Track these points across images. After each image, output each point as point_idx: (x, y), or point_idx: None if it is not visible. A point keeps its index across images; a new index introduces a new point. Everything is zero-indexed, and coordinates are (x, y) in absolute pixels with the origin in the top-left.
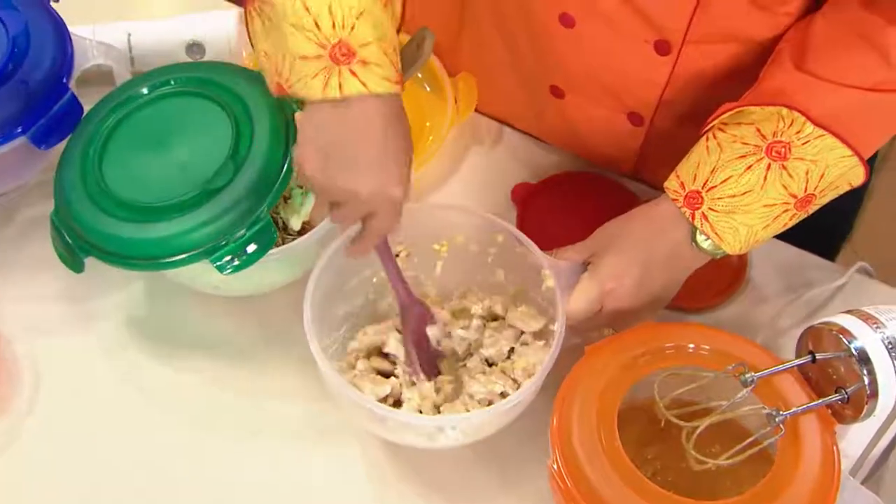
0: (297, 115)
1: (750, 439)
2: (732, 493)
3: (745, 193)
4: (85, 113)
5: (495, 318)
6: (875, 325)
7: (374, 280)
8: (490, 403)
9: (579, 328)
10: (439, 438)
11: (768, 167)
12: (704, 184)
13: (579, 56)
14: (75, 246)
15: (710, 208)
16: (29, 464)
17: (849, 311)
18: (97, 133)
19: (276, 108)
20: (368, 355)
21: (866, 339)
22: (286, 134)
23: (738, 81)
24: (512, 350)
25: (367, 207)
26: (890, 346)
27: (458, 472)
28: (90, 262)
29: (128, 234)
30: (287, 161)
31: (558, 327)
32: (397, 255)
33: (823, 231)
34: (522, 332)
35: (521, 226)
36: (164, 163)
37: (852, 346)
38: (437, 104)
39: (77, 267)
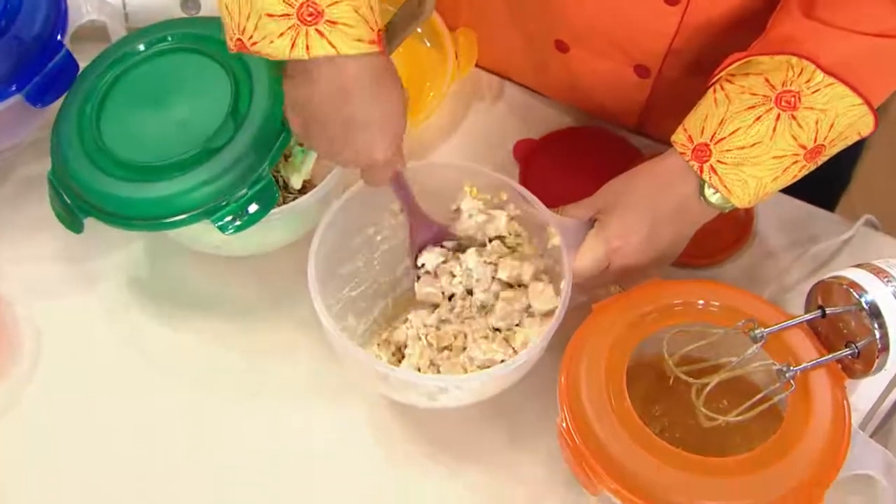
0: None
1: (760, 395)
2: (742, 449)
3: (754, 145)
4: (80, 70)
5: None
6: (886, 279)
7: (378, 238)
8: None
9: (585, 286)
10: (440, 398)
11: (778, 117)
12: (713, 136)
13: (585, 9)
14: (74, 206)
15: (719, 161)
16: (30, 427)
17: (858, 265)
18: (94, 91)
19: (275, 64)
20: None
21: (877, 292)
22: None
23: (746, 29)
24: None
25: (359, 165)
26: None
27: (465, 431)
28: (89, 221)
29: (127, 193)
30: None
31: (564, 286)
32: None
33: (823, 182)
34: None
35: (524, 182)
36: (162, 121)
37: (863, 299)
38: (438, 60)
39: (76, 227)
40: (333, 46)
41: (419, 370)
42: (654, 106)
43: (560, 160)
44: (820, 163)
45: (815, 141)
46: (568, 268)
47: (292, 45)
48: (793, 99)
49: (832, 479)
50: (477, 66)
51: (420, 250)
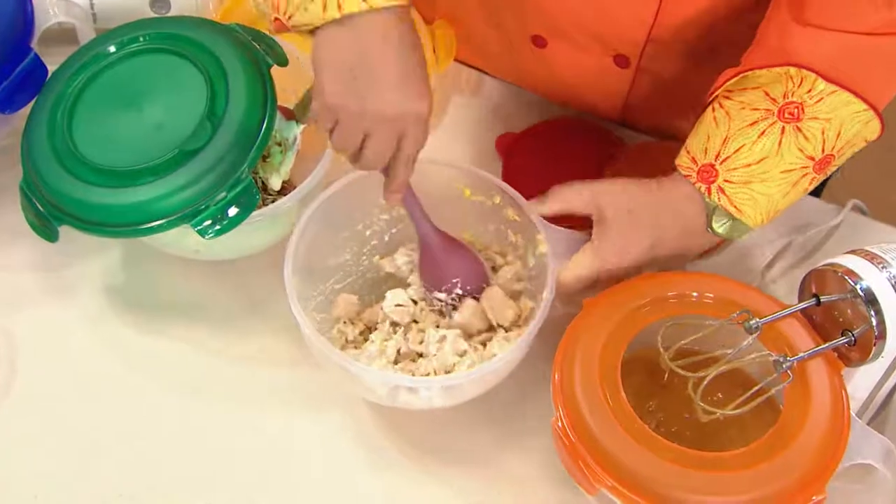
0: (312, 43)
1: (757, 387)
2: (739, 444)
3: (760, 161)
4: (50, 74)
5: None
6: (880, 265)
7: (368, 233)
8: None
9: (567, 296)
10: (403, 397)
11: (783, 131)
12: (717, 156)
13: (562, 1)
14: (48, 214)
15: (726, 180)
16: (8, 439)
17: (852, 251)
18: (64, 95)
19: (250, 63)
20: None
21: (872, 279)
22: (264, 89)
23: (726, 15)
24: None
25: (396, 128)
26: None
27: (451, 432)
28: (65, 230)
29: (102, 200)
30: (266, 118)
31: (546, 294)
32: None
33: None
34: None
35: (507, 177)
36: (136, 124)
37: (858, 286)
38: None
39: (51, 236)
40: (365, 0)
41: (387, 358)
42: (637, 97)
43: (543, 153)
44: (829, 172)
45: (822, 151)
46: (551, 277)
47: (324, 7)
48: (796, 110)
49: (834, 469)
50: (455, 60)
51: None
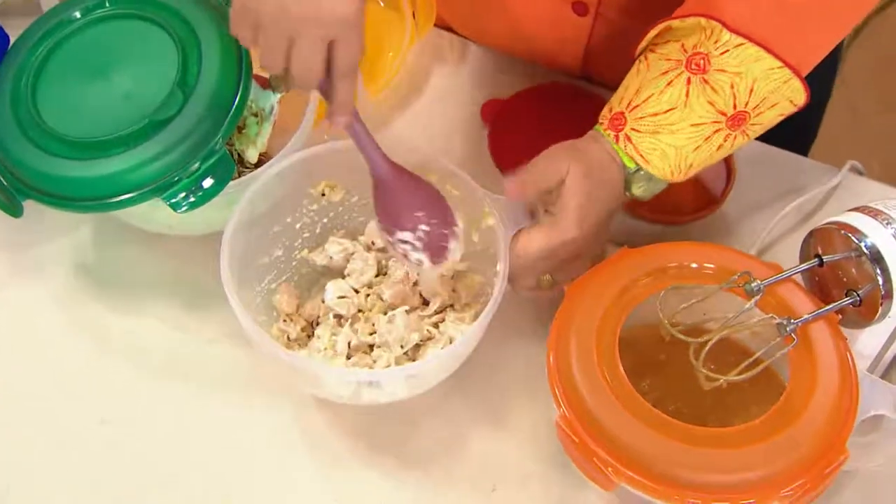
0: None
1: (761, 351)
2: (740, 417)
3: (668, 111)
4: (12, 43)
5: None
6: (885, 221)
7: (298, 226)
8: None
9: (520, 275)
10: (363, 396)
11: (688, 81)
12: (629, 104)
13: None
14: (12, 188)
15: (633, 129)
16: None
17: (855, 209)
18: (27, 64)
19: (225, 30)
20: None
21: (877, 236)
22: (238, 57)
23: None
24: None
25: (323, 32)
26: None
27: (434, 416)
28: (31, 205)
29: (70, 172)
30: (241, 87)
31: (501, 267)
32: (322, 195)
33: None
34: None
35: (493, 144)
36: (105, 93)
37: (862, 244)
38: (394, 20)
39: (15, 211)
40: None
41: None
42: (597, 47)
43: (530, 119)
44: (752, 133)
45: (734, 107)
46: (504, 248)
47: None
48: (702, 61)
49: (851, 427)
50: (435, 25)
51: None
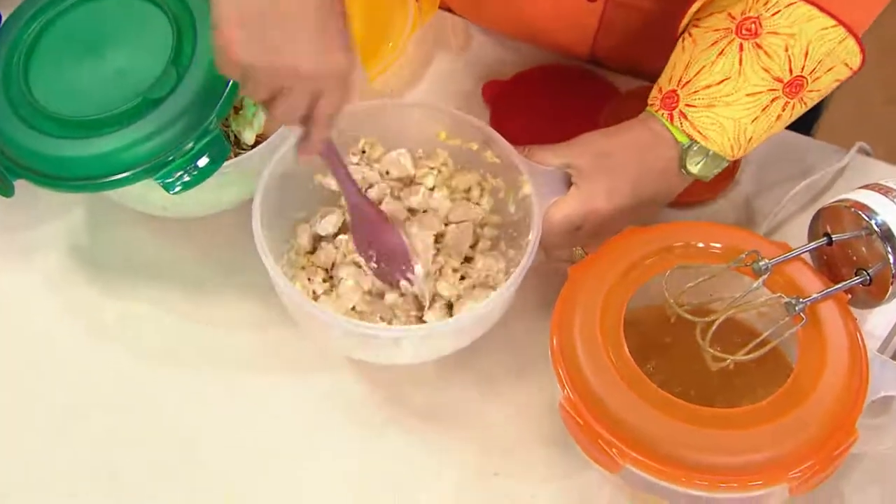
0: None
1: (770, 330)
2: (748, 399)
3: (722, 82)
4: (3, 20)
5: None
6: (895, 197)
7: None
8: None
9: (550, 244)
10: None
11: (741, 47)
12: (679, 81)
13: None
14: (3, 168)
15: (688, 104)
16: None
17: (864, 186)
18: (19, 42)
19: None
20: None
21: (888, 213)
22: None
23: None
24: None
25: (312, 86)
26: None
27: (438, 395)
28: (23, 186)
29: (62, 151)
30: None
31: (532, 236)
32: (362, 152)
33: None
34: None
35: (494, 125)
36: (98, 71)
37: (873, 222)
38: (397, 5)
39: (7, 191)
40: None
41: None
42: (606, 34)
43: (532, 101)
44: (809, 102)
45: (790, 72)
46: (538, 217)
47: None
48: (753, 25)
49: (861, 408)
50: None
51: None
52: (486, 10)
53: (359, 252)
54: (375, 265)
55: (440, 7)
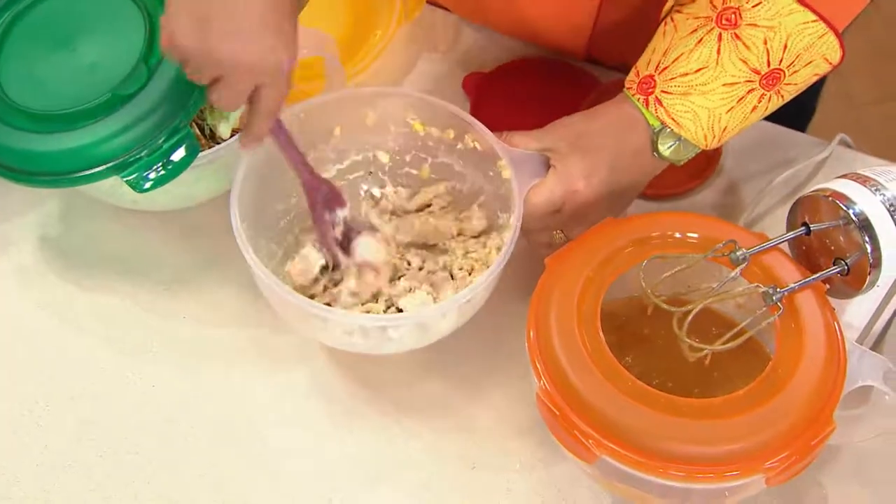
0: None
1: (747, 320)
2: (726, 391)
3: (699, 70)
4: None
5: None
6: (874, 187)
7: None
8: None
9: (531, 228)
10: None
11: (719, 38)
12: (657, 66)
13: None
14: None
15: (664, 91)
16: None
17: (843, 176)
18: None
19: None
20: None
21: (865, 203)
22: None
23: None
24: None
25: (252, 79)
26: (892, 209)
27: (416, 386)
28: None
29: (31, 146)
30: None
31: (514, 220)
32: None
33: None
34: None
35: (475, 116)
36: (68, 65)
37: (851, 211)
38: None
39: None
40: None
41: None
42: (603, 31)
43: (512, 93)
44: (786, 94)
45: (768, 64)
46: (519, 200)
47: None
48: (733, 16)
49: (838, 398)
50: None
51: (320, 217)
52: (487, 10)
53: (318, 228)
54: (339, 238)
55: (430, 3)
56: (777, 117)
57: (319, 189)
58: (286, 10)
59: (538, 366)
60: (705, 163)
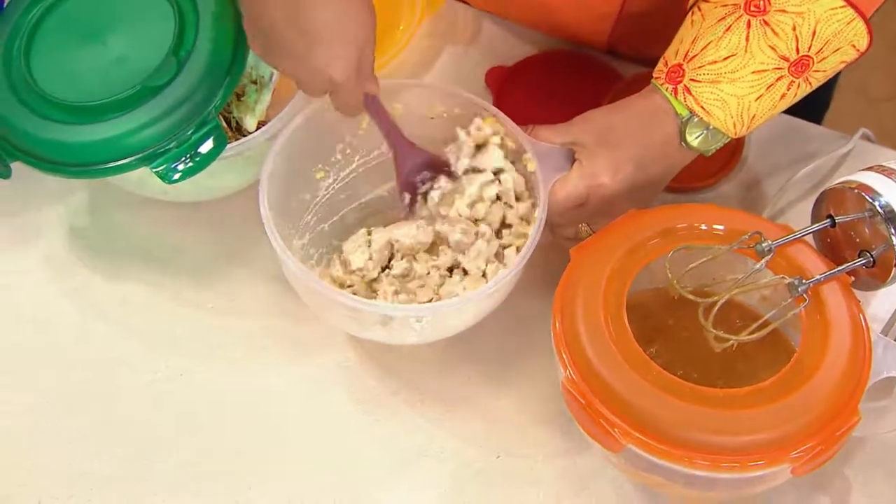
0: None
1: (772, 311)
2: (750, 383)
3: (727, 58)
4: (4, 6)
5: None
6: None
7: (334, 158)
8: None
9: (557, 222)
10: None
11: (748, 24)
12: (686, 55)
13: None
14: (1, 150)
15: (693, 79)
16: None
17: (868, 168)
18: (20, 27)
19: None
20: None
21: (891, 195)
22: (236, 22)
23: None
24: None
25: (318, 88)
26: None
27: (441, 376)
28: (25, 171)
29: (62, 136)
30: (238, 54)
31: (539, 213)
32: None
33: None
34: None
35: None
36: (99, 57)
37: (876, 203)
38: None
39: (2, 172)
40: None
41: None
42: (626, 23)
43: (535, 87)
44: (814, 81)
45: (797, 51)
46: (544, 194)
47: None
48: (761, 2)
49: (864, 389)
50: None
51: (409, 181)
52: (508, 2)
53: (402, 193)
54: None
55: None
56: (793, 110)
57: (414, 158)
58: (359, 20)
59: (564, 356)
60: (728, 156)
